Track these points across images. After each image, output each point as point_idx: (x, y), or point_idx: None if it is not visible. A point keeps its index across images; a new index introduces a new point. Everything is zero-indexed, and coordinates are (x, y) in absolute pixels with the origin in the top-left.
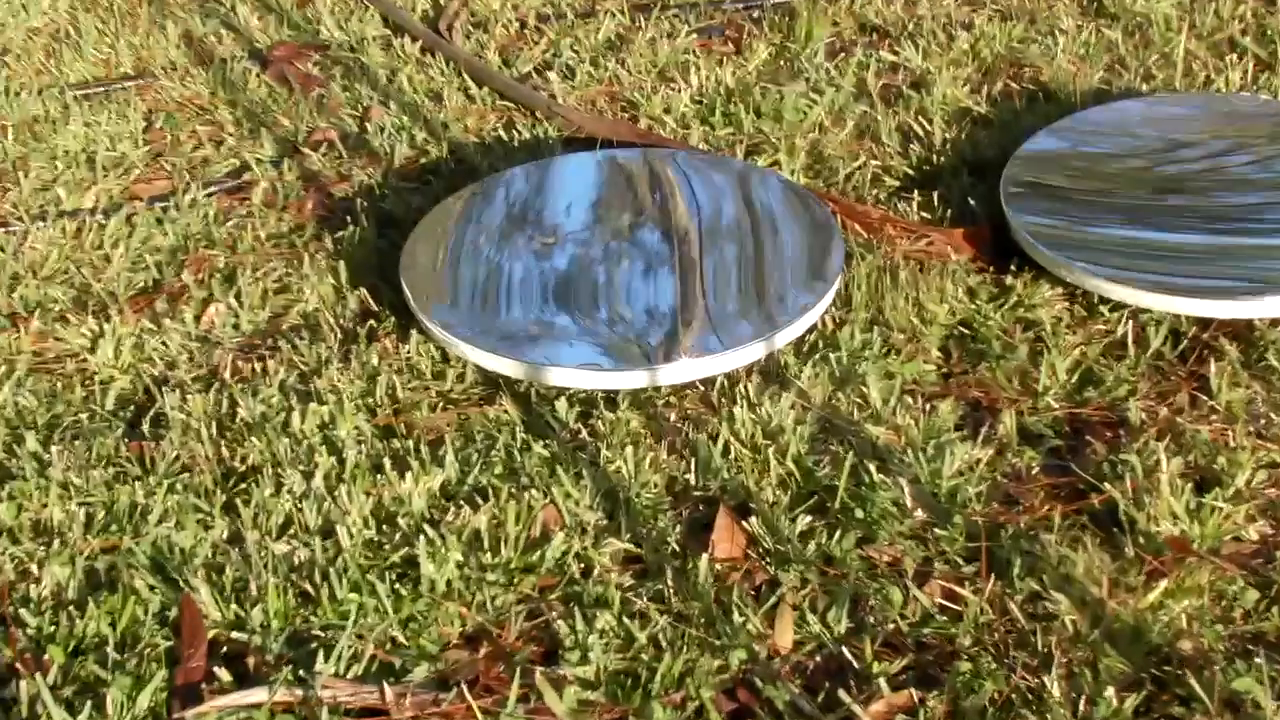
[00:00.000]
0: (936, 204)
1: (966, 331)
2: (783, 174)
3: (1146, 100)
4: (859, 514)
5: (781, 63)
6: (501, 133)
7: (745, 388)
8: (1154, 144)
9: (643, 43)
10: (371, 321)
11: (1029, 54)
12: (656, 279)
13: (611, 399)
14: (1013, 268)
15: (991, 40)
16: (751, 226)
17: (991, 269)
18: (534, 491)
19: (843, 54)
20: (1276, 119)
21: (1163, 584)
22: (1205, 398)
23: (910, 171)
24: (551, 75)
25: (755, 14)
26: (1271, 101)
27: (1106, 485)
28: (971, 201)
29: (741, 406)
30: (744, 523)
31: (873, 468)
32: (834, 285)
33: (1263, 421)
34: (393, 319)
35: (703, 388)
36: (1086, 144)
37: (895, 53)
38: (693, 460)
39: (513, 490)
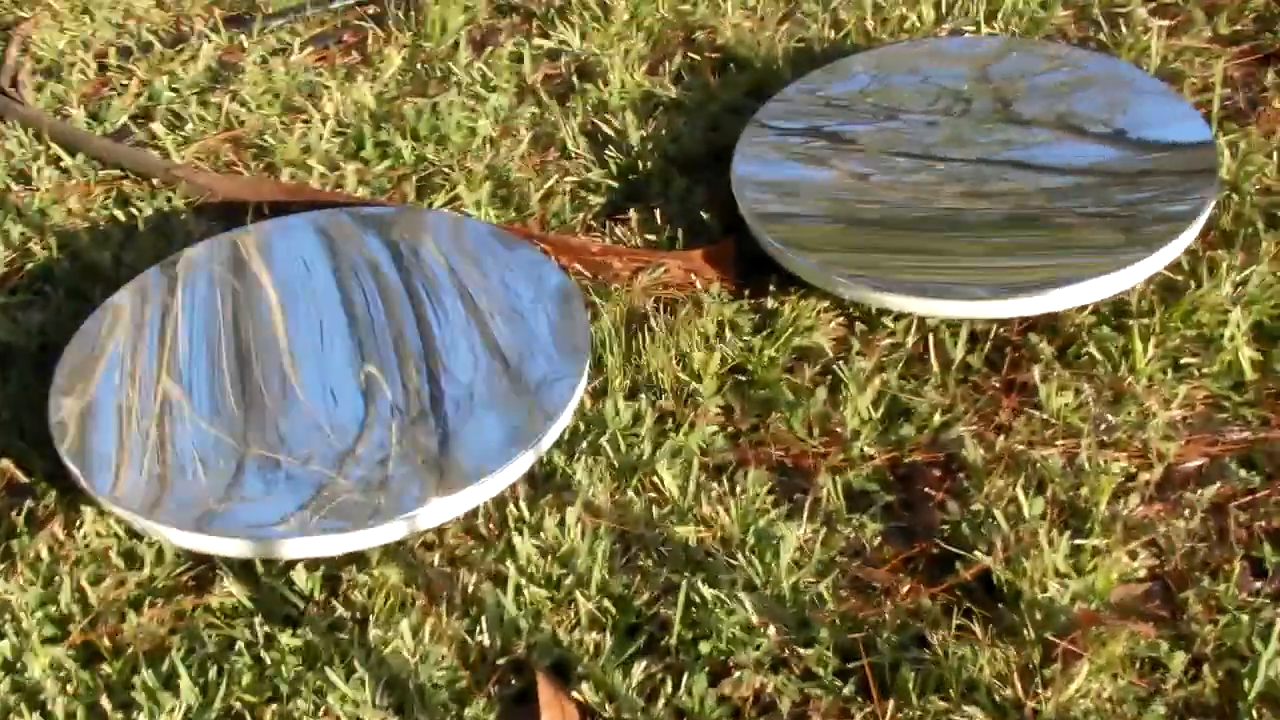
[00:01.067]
0: (659, 220)
1: (743, 377)
2: (473, 217)
3: (865, 57)
4: (701, 646)
5: (420, 66)
6: (115, 211)
7: (517, 506)
8: (891, 108)
9: (253, 67)
10: (28, 501)
11: (698, 15)
12: (376, 393)
13: (359, 554)
14: (771, 286)
15: (653, 4)
16: (466, 297)
17: (747, 292)
18: (300, 702)
19: (489, 47)
20: (999, 59)
21: (1082, 669)
22: (1034, 411)
23: (613, 183)
24: (156, 126)
25: (373, 9)
26: (983, 40)
27: (974, 552)
28: (705, 216)
29: (519, 533)
30: (569, 688)
31: (699, 582)
32: (588, 355)
33: (1104, 426)
34: (53, 491)
35: (463, 516)
36: (814, 119)
37: (548, 35)
38: (481, 617)
39: (275, 708)
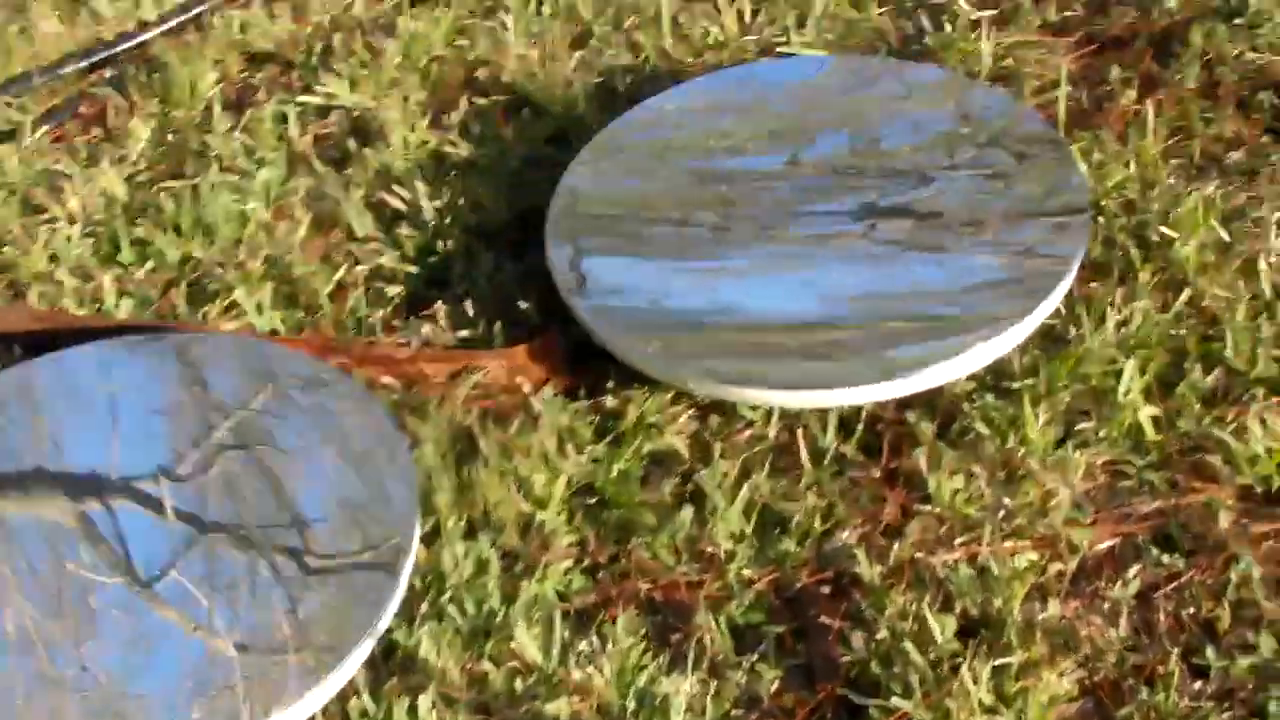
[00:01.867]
0: (471, 311)
1: (593, 498)
2: (256, 328)
3: (669, 96)
4: None
5: (172, 138)
6: None
7: (361, 696)
8: (708, 153)
9: None
10: None
11: (478, 50)
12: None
13: None
14: (610, 383)
15: (427, 41)
16: (259, 451)
17: (583, 391)
18: None
19: (249, 107)
20: (820, 87)
21: None
22: (924, 505)
23: (411, 268)
24: None
25: (110, 72)
26: (801, 63)
27: (890, 698)
28: (521, 303)
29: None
30: None
31: None
32: (415, 509)
33: (1002, 514)
34: None
35: None
36: (628, 175)
37: (311, 89)
38: None
39: None
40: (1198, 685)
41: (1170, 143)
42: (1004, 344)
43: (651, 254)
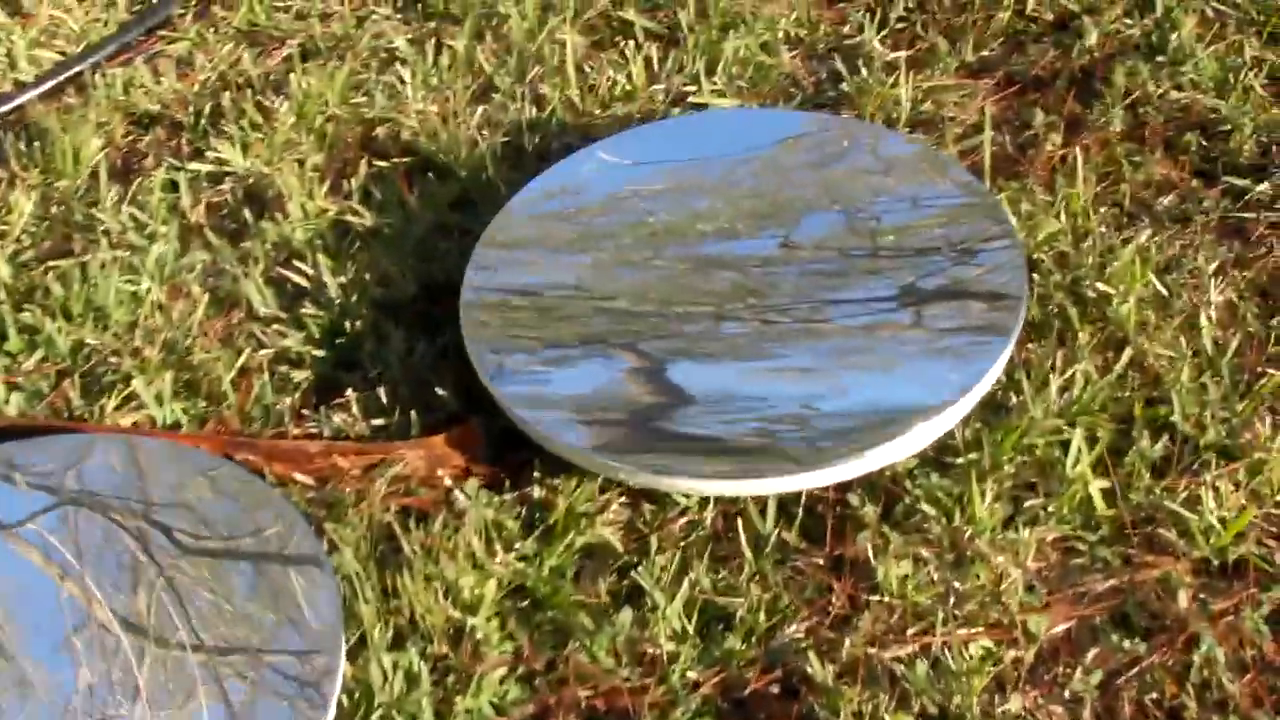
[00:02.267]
0: (385, 397)
1: (525, 601)
2: (155, 422)
3: (590, 153)
4: None
5: (57, 211)
6: None
7: None
8: (625, 221)
9: None
10: None
11: (376, 107)
12: None
13: None
14: (536, 472)
15: (319, 100)
16: (154, 573)
17: (507, 482)
18: None
19: (137, 176)
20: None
21: None
22: (872, 594)
23: (318, 351)
24: None
25: None
26: (719, 116)
27: None
28: (440, 390)
29: None
30: None
31: None
32: (342, 643)
33: (954, 601)
34: None
35: None
36: (543, 243)
37: (202, 152)
38: None
39: None
40: None
41: (1099, 189)
42: (945, 422)
43: (575, 338)
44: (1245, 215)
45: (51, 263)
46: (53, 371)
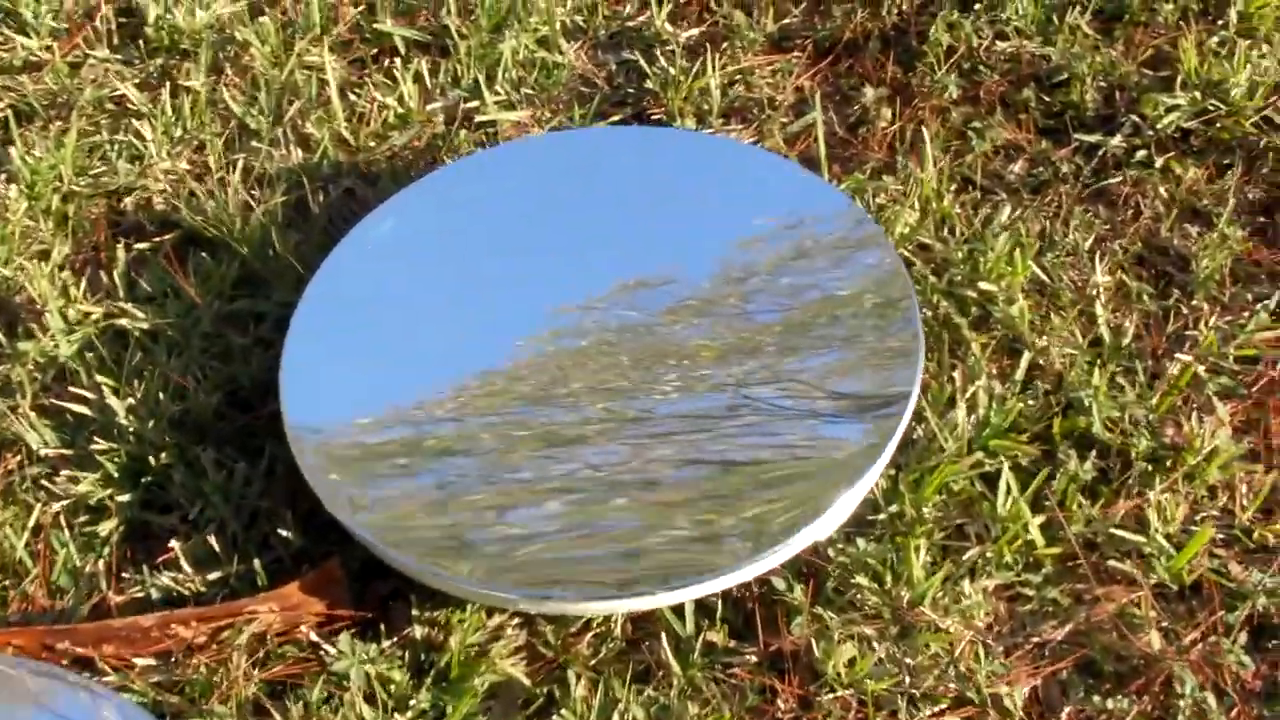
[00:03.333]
0: (214, 541)
1: None
2: None
3: (385, 215)
4: None
5: None
6: None
7: None
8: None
9: None
10: None
11: (119, 176)
12: None
13: None
14: (414, 609)
15: (51, 175)
16: None
17: (383, 626)
18: None
19: None
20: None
21: None
22: (822, 691)
23: (124, 495)
24: None
25: None
26: (508, 150)
27: None
28: (283, 531)
29: None
30: None
31: None
32: None
33: (910, 679)
34: None
35: None
36: (359, 333)
37: None
38: None
39: None
40: None
41: (944, 164)
42: (868, 482)
43: (423, 446)
44: (1105, 178)
45: None
46: None
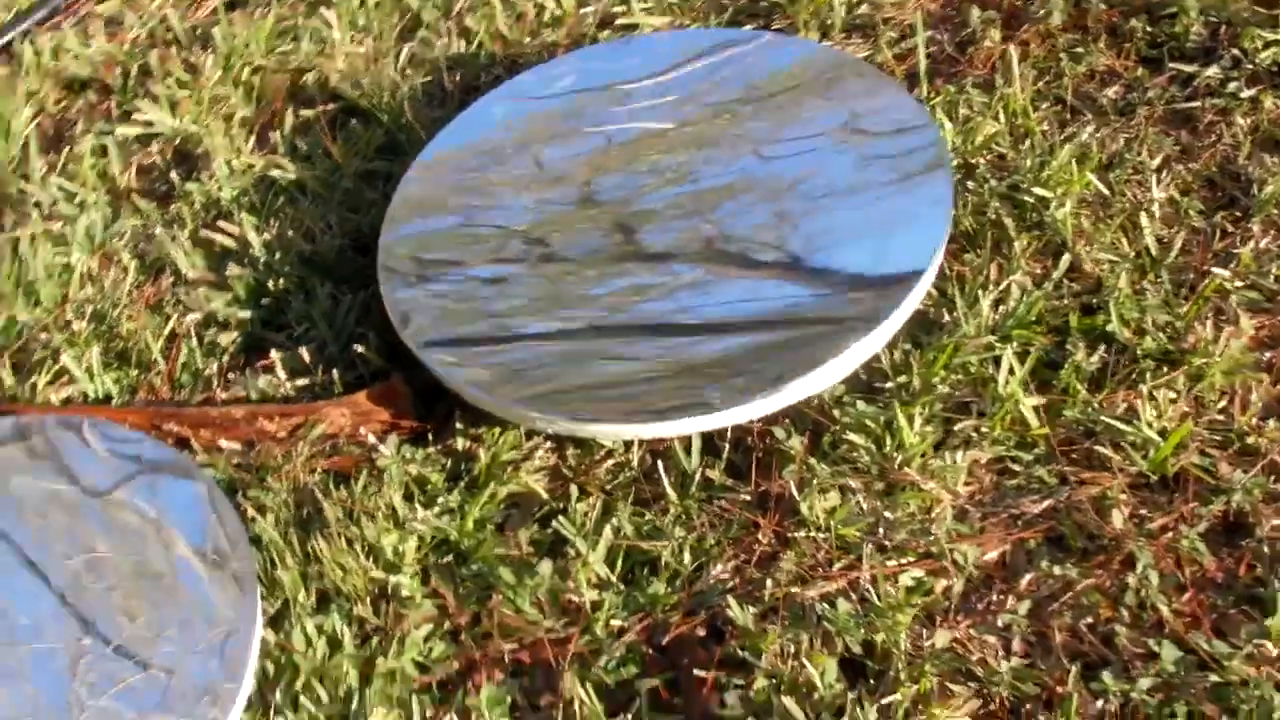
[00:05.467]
0: (308, 356)
1: (450, 555)
2: (87, 395)
3: (507, 89)
4: None
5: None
6: None
7: None
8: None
9: None
10: None
11: (300, 54)
12: None
13: None
14: (459, 424)
15: (246, 50)
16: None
17: (431, 435)
18: None
19: (67, 144)
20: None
21: None
22: (799, 530)
23: (243, 312)
24: None
25: None
26: (642, 42)
27: None
28: (359, 348)
29: None
30: None
31: None
32: (257, 613)
33: (883, 532)
34: None
35: None
36: (465, 188)
37: (131, 116)
38: None
39: None
40: (1100, 704)
41: (1041, 85)
42: (864, 350)
43: (489, 281)
44: (1193, 104)
45: None
46: None
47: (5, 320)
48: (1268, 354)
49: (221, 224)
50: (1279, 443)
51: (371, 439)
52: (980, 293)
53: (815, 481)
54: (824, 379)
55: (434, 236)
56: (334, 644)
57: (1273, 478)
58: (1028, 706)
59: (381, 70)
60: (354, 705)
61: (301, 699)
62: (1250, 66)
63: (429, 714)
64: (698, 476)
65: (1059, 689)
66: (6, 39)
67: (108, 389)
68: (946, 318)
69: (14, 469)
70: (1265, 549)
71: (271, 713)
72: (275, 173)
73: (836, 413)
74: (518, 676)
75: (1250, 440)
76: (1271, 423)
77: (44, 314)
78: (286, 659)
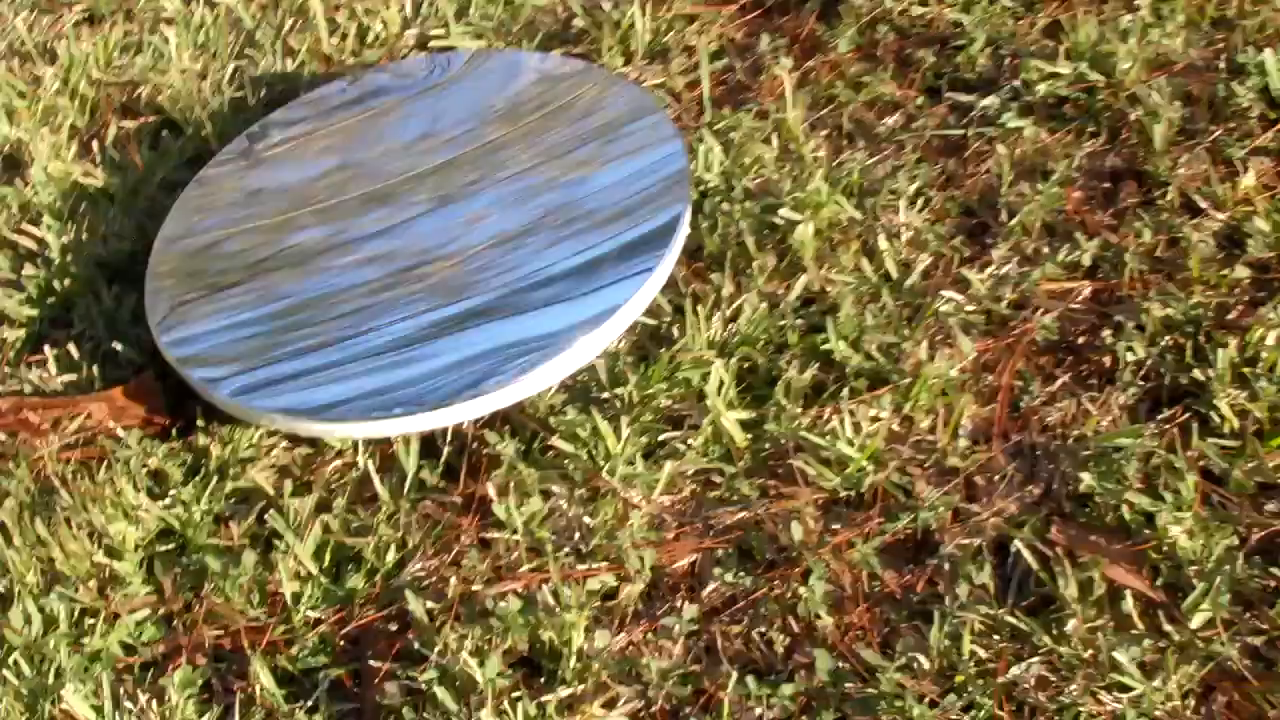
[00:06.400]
0: (77, 354)
1: (173, 545)
2: None
3: (286, 114)
4: None
5: None
6: None
7: None
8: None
9: None
10: None
11: (136, 69)
12: None
13: None
14: (200, 420)
15: (85, 65)
16: None
17: (175, 429)
18: None
19: None
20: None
21: None
22: (496, 531)
23: (32, 310)
24: None
25: None
26: (422, 64)
27: None
28: (118, 345)
29: None
30: None
31: None
32: None
33: (577, 535)
34: None
35: None
36: (229, 206)
37: None
38: None
39: None
40: (758, 711)
41: (826, 112)
42: (573, 360)
43: (232, 282)
44: (964, 131)
45: None
46: None
47: None
48: (989, 377)
49: (26, 227)
50: (979, 464)
51: (120, 432)
52: (715, 310)
53: (524, 485)
54: (531, 386)
55: (199, 238)
56: (50, 623)
57: (961, 497)
58: (686, 710)
59: (204, 87)
60: (51, 680)
61: (6, 673)
62: (1028, 99)
63: (124, 691)
64: (410, 478)
65: (720, 693)
66: None
67: None
68: (676, 333)
69: None
70: (946, 566)
71: None
72: (86, 180)
73: (553, 420)
74: (220, 662)
75: (950, 461)
76: (974, 444)
77: None
78: (2, 636)
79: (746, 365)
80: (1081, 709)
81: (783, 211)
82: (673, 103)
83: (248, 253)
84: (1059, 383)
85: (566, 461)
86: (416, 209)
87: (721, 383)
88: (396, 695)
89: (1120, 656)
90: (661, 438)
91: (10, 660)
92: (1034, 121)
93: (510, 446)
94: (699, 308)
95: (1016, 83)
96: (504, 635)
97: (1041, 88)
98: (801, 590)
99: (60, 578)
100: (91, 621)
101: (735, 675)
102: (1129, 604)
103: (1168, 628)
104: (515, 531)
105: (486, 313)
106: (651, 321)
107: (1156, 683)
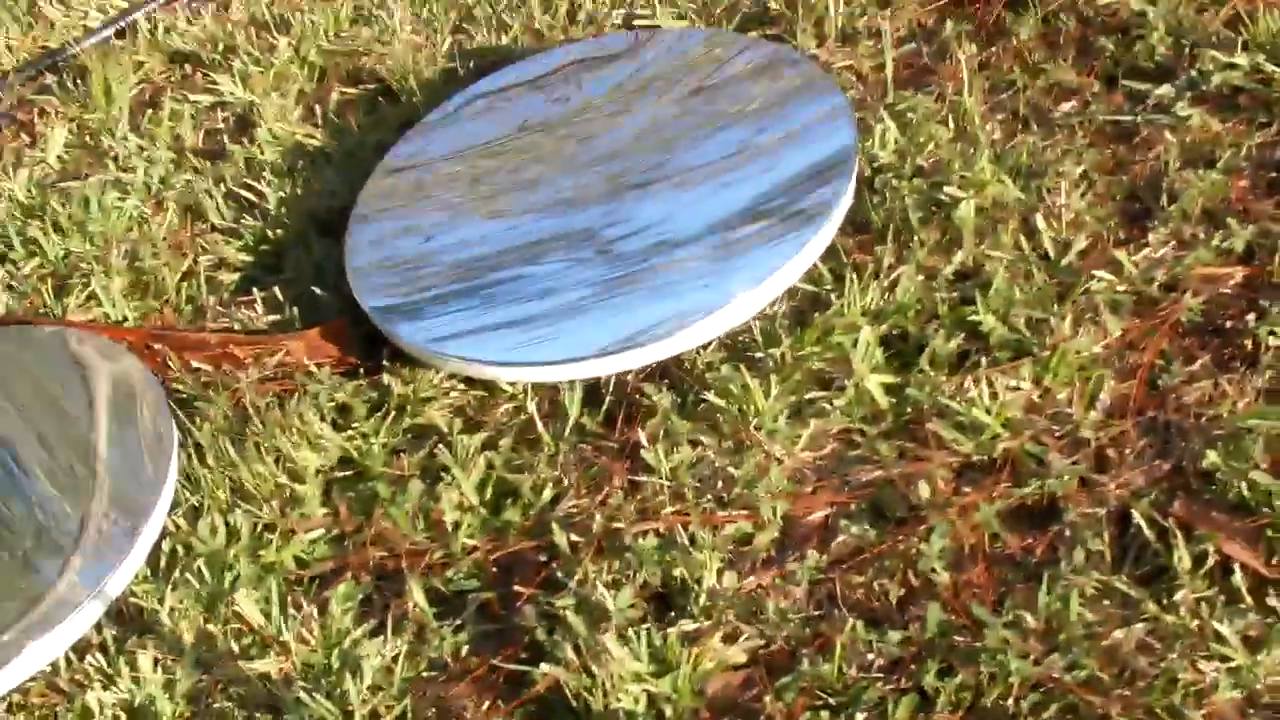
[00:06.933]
0: (283, 297)
1: (351, 472)
2: (106, 316)
3: (492, 82)
4: None
5: (88, 139)
6: None
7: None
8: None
9: None
10: None
11: (360, 40)
12: None
13: None
14: (385, 360)
15: (315, 35)
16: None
17: (363, 369)
18: None
19: (152, 108)
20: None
21: None
22: (646, 475)
23: (249, 257)
24: None
25: (46, 81)
26: (620, 39)
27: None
28: (317, 289)
29: (93, 687)
30: None
31: None
32: (166, 489)
33: (720, 484)
34: None
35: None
36: (437, 165)
37: (210, 87)
38: None
39: None
40: (869, 657)
41: (1004, 96)
42: (729, 317)
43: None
44: (1135, 118)
45: (62, 184)
46: (46, 276)
47: (63, 250)
48: (1131, 355)
49: (251, 181)
50: (1111, 436)
51: (314, 369)
52: (873, 280)
53: (669, 436)
54: (688, 340)
55: (392, 195)
56: (232, 535)
57: (1090, 468)
58: (802, 650)
59: (419, 57)
60: (227, 586)
61: (188, 577)
62: (1204, 88)
63: (292, 600)
64: (571, 422)
65: (837, 639)
66: (132, 18)
67: (126, 314)
68: (834, 300)
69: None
70: (1067, 533)
71: (165, 589)
72: (307, 141)
73: (708, 376)
74: (381, 580)
75: (1083, 433)
76: (1108, 417)
77: (94, 248)
78: (186, 545)
79: (897, 332)
80: (1181, 676)
81: (947, 189)
82: (857, 84)
83: (441, 217)
84: (1199, 363)
85: (718, 415)
86: (600, 177)
87: (868, 346)
88: (534, 618)
89: (1224, 628)
90: (809, 396)
91: (195, 566)
92: (1206, 111)
93: (666, 398)
94: (858, 277)
95: (1193, 72)
96: (639, 569)
97: (1217, 78)
98: (923, 546)
99: (246, 495)
100: (270, 537)
101: (851, 622)
102: (1238, 579)
103: (1274, 603)
104: (662, 476)
105: (652, 271)
106: (811, 288)
107: (1260, 656)
